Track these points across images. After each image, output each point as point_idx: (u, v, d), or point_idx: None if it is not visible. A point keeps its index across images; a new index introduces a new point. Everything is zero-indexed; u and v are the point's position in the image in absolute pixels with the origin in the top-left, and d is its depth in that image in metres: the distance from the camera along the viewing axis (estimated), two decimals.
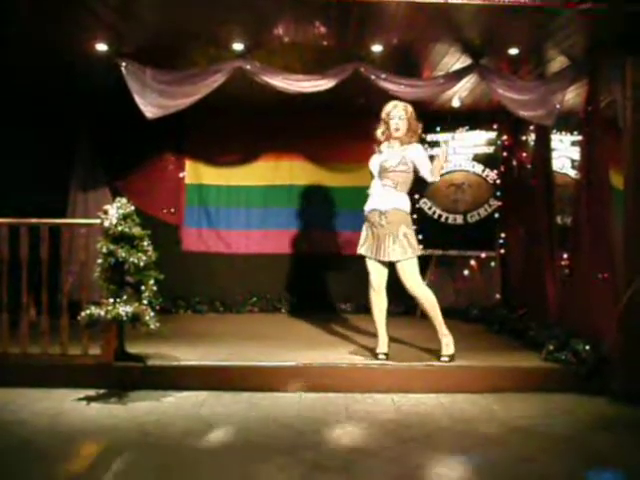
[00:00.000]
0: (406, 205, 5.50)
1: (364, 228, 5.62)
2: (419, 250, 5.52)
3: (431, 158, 5.70)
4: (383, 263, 5.51)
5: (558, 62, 6.07)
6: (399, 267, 5.41)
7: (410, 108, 5.55)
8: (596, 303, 5.52)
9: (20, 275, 5.29)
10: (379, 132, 5.60)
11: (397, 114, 5.50)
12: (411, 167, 5.47)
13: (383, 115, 5.56)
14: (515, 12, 5.05)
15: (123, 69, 5.82)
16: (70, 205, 8.19)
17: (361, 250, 5.59)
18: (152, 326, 5.06)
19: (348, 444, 4.05)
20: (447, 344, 5.46)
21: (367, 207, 5.57)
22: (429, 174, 5.47)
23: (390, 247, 5.38)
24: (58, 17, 5.25)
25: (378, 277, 5.56)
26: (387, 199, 5.44)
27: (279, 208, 8.76)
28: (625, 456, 3.97)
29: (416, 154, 5.47)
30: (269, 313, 8.45)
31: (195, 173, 8.77)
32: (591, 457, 3.92)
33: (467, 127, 8.24)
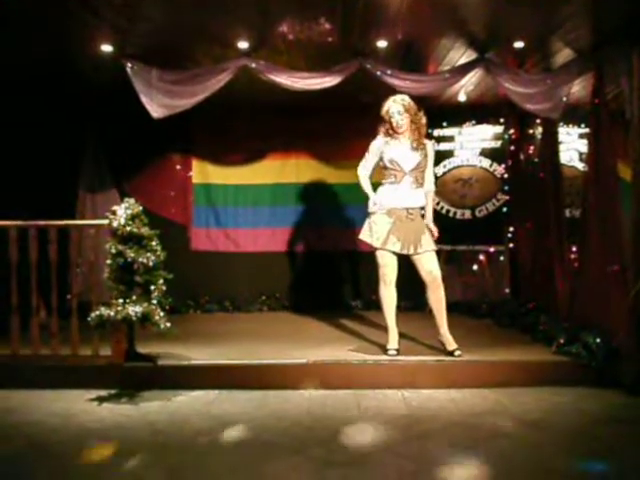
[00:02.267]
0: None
1: (384, 223, 5.52)
2: None
3: (438, 154, 5.77)
4: (398, 258, 5.52)
5: (564, 55, 6.04)
6: (428, 256, 5.49)
7: (408, 100, 5.55)
8: (606, 295, 5.50)
9: (30, 277, 5.31)
10: (383, 130, 5.61)
11: (396, 110, 5.49)
12: None
13: (383, 113, 5.55)
14: (520, 4, 5.04)
15: (129, 69, 5.83)
16: (79, 206, 8.21)
17: (388, 245, 5.48)
18: (162, 326, 5.08)
19: (360, 441, 4.05)
20: (451, 339, 5.48)
21: (396, 202, 5.53)
22: (432, 180, 5.74)
23: (422, 239, 5.48)
24: (64, 19, 5.26)
25: (393, 272, 5.55)
26: (420, 197, 5.59)
27: (286, 206, 8.76)
28: (637, 449, 3.96)
29: (430, 153, 5.65)
30: (278, 311, 8.45)
31: (202, 173, 8.78)
32: (603, 450, 3.90)
33: (474, 121, 8.23)
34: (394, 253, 5.50)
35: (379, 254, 5.55)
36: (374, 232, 5.56)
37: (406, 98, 5.55)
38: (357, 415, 4.56)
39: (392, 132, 5.55)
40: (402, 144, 5.54)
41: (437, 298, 5.48)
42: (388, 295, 5.58)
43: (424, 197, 5.61)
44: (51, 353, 5.33)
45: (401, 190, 5.53)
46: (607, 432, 4.19)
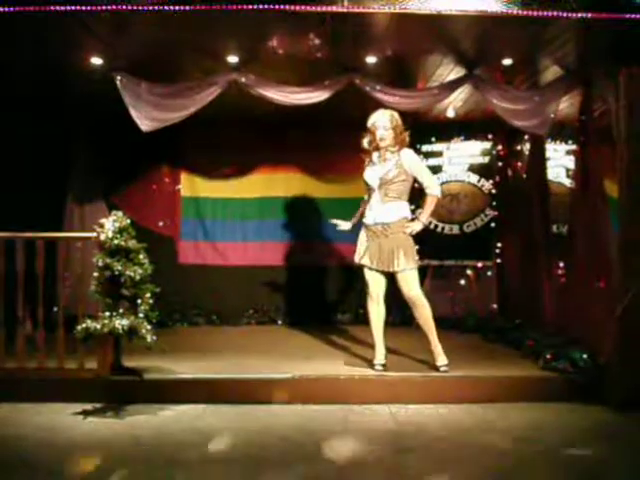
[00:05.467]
0: (409, 214, 5.52)
1: (363, 239, 5.57)
2: (418, 261, 5.50)
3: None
4: (383, 273, 5.50)
5: (552, 72, 6.10)
6: (402, 277, 5.37)
7: (396, 116, 5.50)
8: (593, 311, 5.53)
9: (16, 289, 5.28)
10: (365, 142, 5.56)
11: (382, 124, 5.44)
12: (410, 175, 5.47)
13: (369, 124, 5.50)
14: (508, 22, 5.08)
15: (118, 82, 5.83)
16: (66, 219, 8.17)
17: (362, 261, 5.53)
18: (149, 339, 5.05)
19: (347, 456, 4.03)
20: (441, 354, 5.46)
21: (368, 219, 5.54)
22: (431, 185, 5.48)
23: (396, 257, 5.35)
24: (55, 32, 5.26)
25: (377, 287, 5.54)
26: (391, 210, 5.42)
27: (275, 220, 8.76)
28: (623, 466, 3.96)
29: (410, 161, 5.44)
30: (266, 325, 8.42)
31: (191, 186, 8.78)
32: (590, 467, 3.90)
33: (462, 137, 8.27)
34: (377, 269, 5.49)
35: (364, 270, 5.56)
36: (357, 249, 5.60)
37: (395, 114, 5.51)
38: (344, 430, 4.54)
39: (374, 144, 5.53)
40: (376, 161, 5.55)
41: (421, 316, 5.44)
42: (374, 310, 5.58)
43: (399, 210, 5.43)
44: (37, 366, 5.28)
45: (372, 206, 5.53)
46: (595, 448, 4.20)
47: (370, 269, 5.50)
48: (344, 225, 5.84)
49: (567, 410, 4.99)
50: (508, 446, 4.20)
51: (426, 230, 7.84)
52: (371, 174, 5.52)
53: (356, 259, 5.61)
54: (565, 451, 4.15)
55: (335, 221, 5.87)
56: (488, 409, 5.01)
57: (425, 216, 5.48)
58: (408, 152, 5.50)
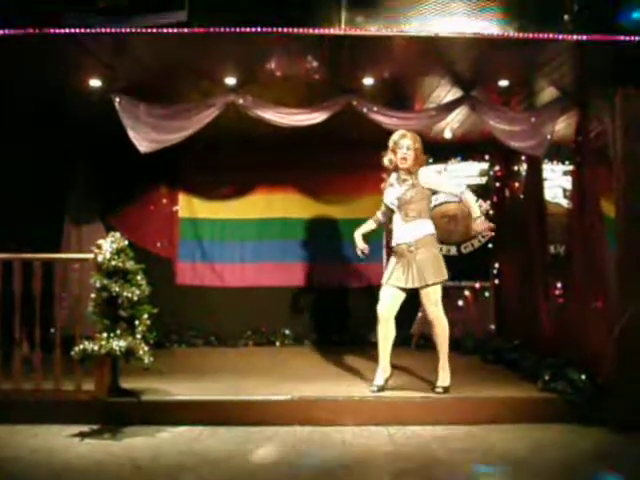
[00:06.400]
0: (433, 229, 5.52)
1: (392, 260, 5.56)
2: (446, 275, 5.47)
3: None
4: (404, 291, 5.48)
5: (548, 93, 6.13)
6: (424, 293, 5.37)
7: (419, 138, 5.50)
8: (591, 332, 5.52)
9: (13, 310, 5.26)
10: (386, 160, 5.55)
11: (405, 144, 5.43)
12: (429, 192, 5.52)
13: (390, 144, 5.50)
14: (505, 45, 5.13)
15: (116, 104, 5.85)
16: (64, 240, 8.17)
17: (390, 281, 5.47)
18: (146, 361, 5.04)
19: (345, 478, 4.01)
20: (445, 376, 5.44)
21: (393, 241, 5.57)
22: (455, 190, 5.58)
23: (423, 274, 5.33)
24: (53, 54, 5.30)
25: (384, 307, 5.47)
26: (414, 229, 5.42)
27: (273, 241, 8.76)
28: None
29: (427, 179, 5.48)
30: (264, 346, 8.39)
31: (189, 207, 8.79)
32: None
33: (459, 158, 8.30)
34: (403, 290, 5.45)
35: (381, 289, 5.54)
36: (386, 270, 5.62)
37: (417, 136, 5.53)
38: (342, 452, 4.51)
39: (394, 164, 5.53)
40: (394, 183, 5.57)
41: (437, 336, 5.44)
42: (380, 331, 5.52)
43: (421, 228, 5.42)
44: (33, 387, 5.26)
45: (394, 228, 5.56)
46: (593, 469, 4.18)
47: (393, 287, 5.47)
48: (364, 249, 5.82)
49: (567, 431, 4.97)
50: (507, 468, 4.18)
51: None
52: (390, 196, 5.56)
53: (383, 281, 5.56)
54: (565, 473, 4.13)
55: (360, 250, 5.82)
56: (487, 430, 4.98)
57: (476, 212, 5.49)
58: (423, 170, 5.53)
